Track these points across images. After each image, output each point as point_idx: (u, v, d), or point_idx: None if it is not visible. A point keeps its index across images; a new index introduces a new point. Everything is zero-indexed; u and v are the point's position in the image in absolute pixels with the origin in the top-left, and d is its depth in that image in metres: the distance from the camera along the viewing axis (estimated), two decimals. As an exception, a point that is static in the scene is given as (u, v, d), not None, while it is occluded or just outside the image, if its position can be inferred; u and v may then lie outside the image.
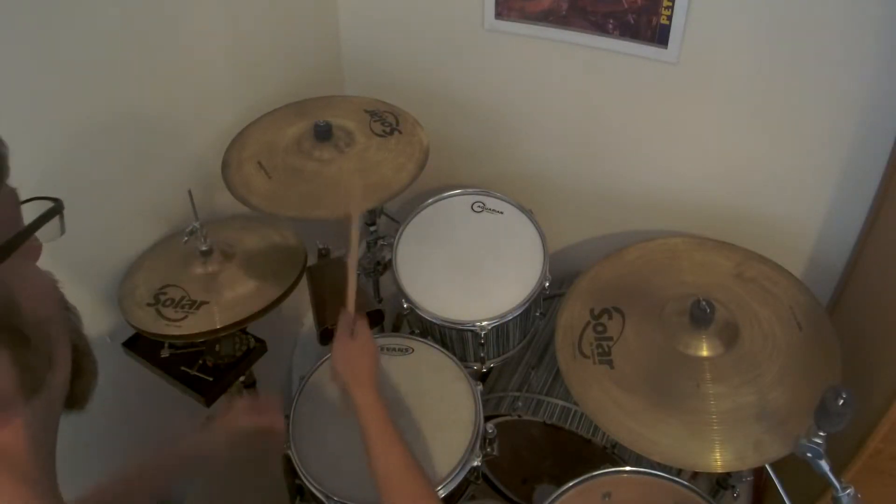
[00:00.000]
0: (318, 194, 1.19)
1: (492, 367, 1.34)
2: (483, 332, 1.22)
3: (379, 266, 1.51)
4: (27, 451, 0.41)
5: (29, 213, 0.43)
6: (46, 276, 0.44)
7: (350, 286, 0.99)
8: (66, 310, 0.46)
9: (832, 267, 1.34)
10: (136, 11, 1.09)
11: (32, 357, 0.40)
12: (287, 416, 1.14)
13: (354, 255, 0.99)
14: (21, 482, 0.40)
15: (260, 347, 1.24)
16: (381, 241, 1.47)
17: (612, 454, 1.18)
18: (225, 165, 1.25)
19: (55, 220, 0.44)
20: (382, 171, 1.23)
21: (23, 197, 0.44)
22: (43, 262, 0.46)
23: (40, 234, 0.43)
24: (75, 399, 0.47)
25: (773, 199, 1.33)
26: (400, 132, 1.30)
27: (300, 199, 1.18)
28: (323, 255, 1.37)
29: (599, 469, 1.05)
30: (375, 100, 1.39)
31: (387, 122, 1.33)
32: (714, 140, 1.32)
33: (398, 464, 0.85)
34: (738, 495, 1.22)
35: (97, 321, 1.19)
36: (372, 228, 1.47)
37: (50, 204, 0.44)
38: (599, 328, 1.11)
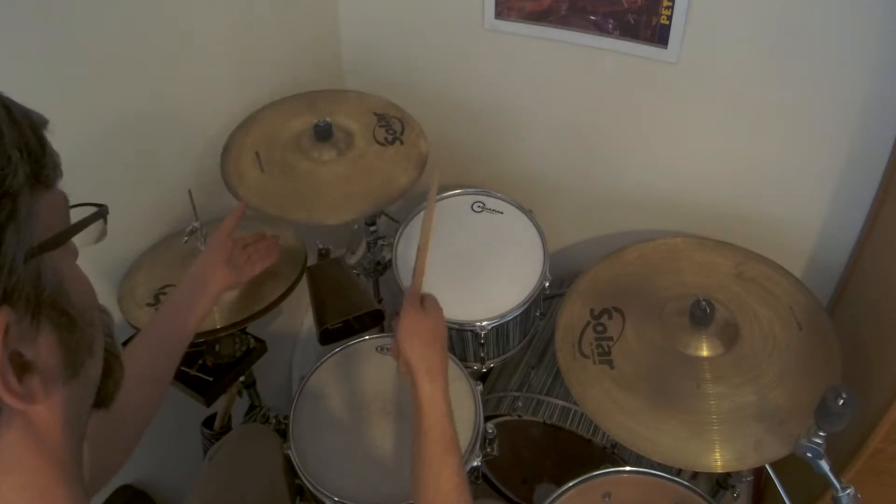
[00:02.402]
0: (303, 195, 1.19)
1: (492, 367, 1.34)
2: (483, 332, 1.22)
3: (379, 266, 1.51)
4: (60, 431, 0.42)
5: (73, 218, 0.46)
6: (86, 277, 0.47)
7: (422, 256, 0.96)
8: (101, 311, 0.48)
9: (832, 267, 1.34)
10: (135, 12, 1.09)
11: (76, 340, 0.42)
12: (287, 416, 1.14)
13: (429, 225, 0.99)
14: (49, 460, 0.42)
15: (260, 347, 1.24)
16: (381, 241, 1.47)
17: (612, 454, 1.18)
18: (226, 150, 1.25)
19: (100, 225, 0.48)
20: (373, 181, 1.22)
21: None
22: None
23: (87, 236, 0.46)
24: (102, 398, 0.49)
25: (773, 199, 1.33)
26: (402, 142, 1.29)
27: (284, 198, 1.18)
28: (323, 255, 1.37)
29: (599, 469, 1.05)
30: (388, 102, 1.38)
31: (392, 128, 1.32)
32: (714, 140, 1.32)
33: (449, 482, 0.78)
34: (738, 495, 1.22)
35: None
36: (372, 228, 1.47)
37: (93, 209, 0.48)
38: (599, 328, 1.11)
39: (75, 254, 0.46)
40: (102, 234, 0.49)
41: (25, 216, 0.38)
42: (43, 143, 0.43)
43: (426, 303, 0.91)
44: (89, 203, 0.47)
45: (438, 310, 0.91)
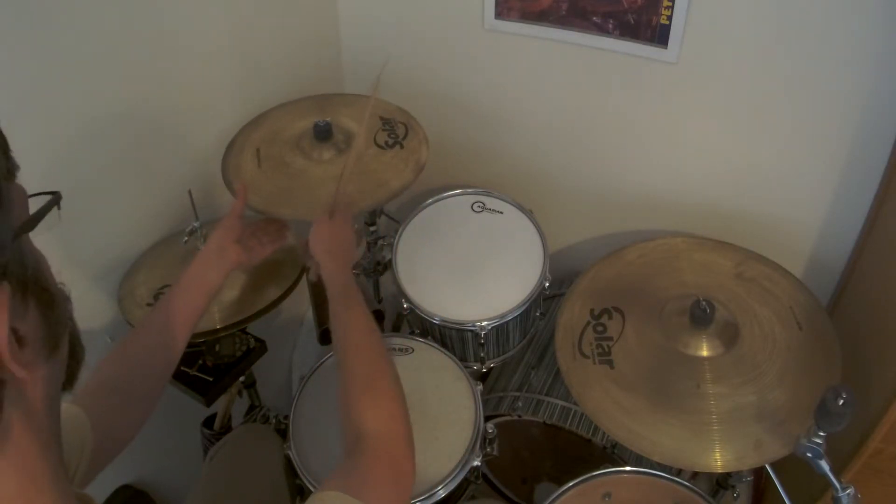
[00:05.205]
0: (292, 193, 1.18)
1: (492, 367, 1.34)
2: (483, 332, 1.22)
3: (379, 266, 1.51)
4: (43, 408, 0.44)
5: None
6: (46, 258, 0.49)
7: (348, 167, 1.09)
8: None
9: (832, 267, 1.34)
10: (135, 10, 1.09)
11: (56, 317, 0.44)
12: (287, 416, 1.15)
13: (361, 137, 1.13)
14: (37, 439, 0.42)
15: (260, 347, 1.25)
16: (381, 241, 1.47)
17: (612, 454, 1.18)
18: (230, 145, 1.25)
19: (54, 212, 0.48)
20: (365, 183, 1.21)
21: None
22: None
23: (43, 224, 0.47)
24: (68, 378, 0.50)
25: (774, 199, 1.33)
26: (402, 147, 1.28)
27: (273, 194, 1.18)
28: (323, 255, 1.36)
29: (599, 469, 1.05)
30: (397, 107, 1.37)
31: (394, 133, 1.31)
32: (714, 140, 1.32)
33: (358, 326, 0.89)
34: (738, 495, 1.22)
35: (97, 321, 1.19)
36: (372, 228, 1.47)
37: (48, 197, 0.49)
38: (599, 328, 1.11)
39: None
40: (56, 222, 0.50)
41: (7, 203, 0.41)
42: (5, 138, 0.44)
43: (335, 214, 1.05)
44: (44, 192, 0.48)
45: (343, 218, 1.06)
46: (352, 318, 0.90)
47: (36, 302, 0.42)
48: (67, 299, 0.50)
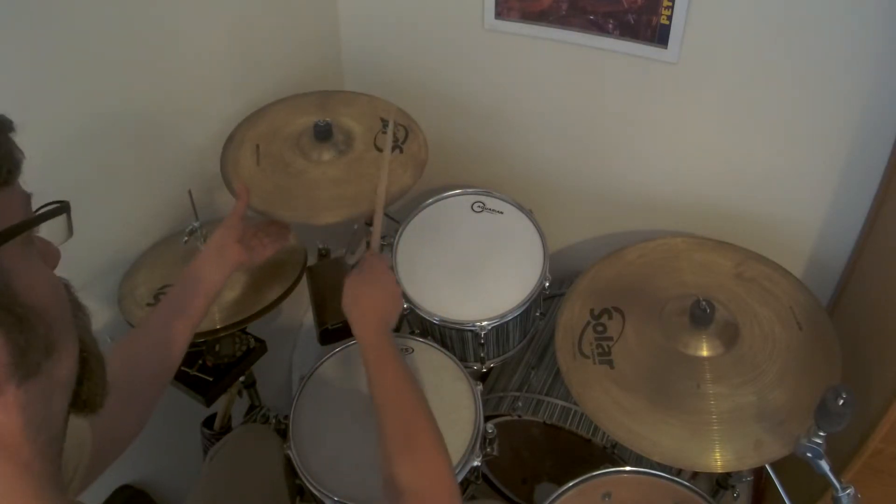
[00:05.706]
0: (291, 194, 1.17)
1: (492, 367, 1.34)
2: (483, 332, 1.22)
3: (379, 266, 1.51)
4: (20, 432, 0.42)
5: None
6: (55, 277, 0.46)
7: (376, 225, 1.09)
8: (78, 309, 0.48)
9: (832, 267, 1.34)
10: (135, 10, 1.09)
11: (26, 340, 0.41)
12: (287, 416, 1.15)
13: (382, 195, 1.10)
14: (11, 463, 0.41)
15: (260, 347, 1.25)
16: (381, 241, 1.47)
17: (612, 454, 1.18)
18: (230, 139, 1.25)
19: (62, 221, 0.46)
20: (363, 186, 1.20)
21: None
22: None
23: (49, 235, 0.45)
24: (86, 402, 0.48)
25: (774, 199, 1.33)
26: (401, 150, 1.27)
27: (271, 193, 1.17)
28: (323, 255, 1.37)
29: (599, 469, 1.05)
30: (399, 109, 1.36)
31: (394, 136, 1.29)
32: (714, 140, 1.32)
33: (393, 387, 0.86)
34: (738, 495, 1.22)
35: (97, 321, 1.19)
36: (371, 229, 1.47)
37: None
38: (599, 328, 1.11)
39: (53, 257, 0.46)
40: (67, 233, 0.48)
41: None
42: None
43: (367, 264, 1.02)
44: (55, 202, 0.46)
45: (378, 267, 1.03)
46: (386, 379, 0.88)
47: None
48: (83, 314, 0.48)
